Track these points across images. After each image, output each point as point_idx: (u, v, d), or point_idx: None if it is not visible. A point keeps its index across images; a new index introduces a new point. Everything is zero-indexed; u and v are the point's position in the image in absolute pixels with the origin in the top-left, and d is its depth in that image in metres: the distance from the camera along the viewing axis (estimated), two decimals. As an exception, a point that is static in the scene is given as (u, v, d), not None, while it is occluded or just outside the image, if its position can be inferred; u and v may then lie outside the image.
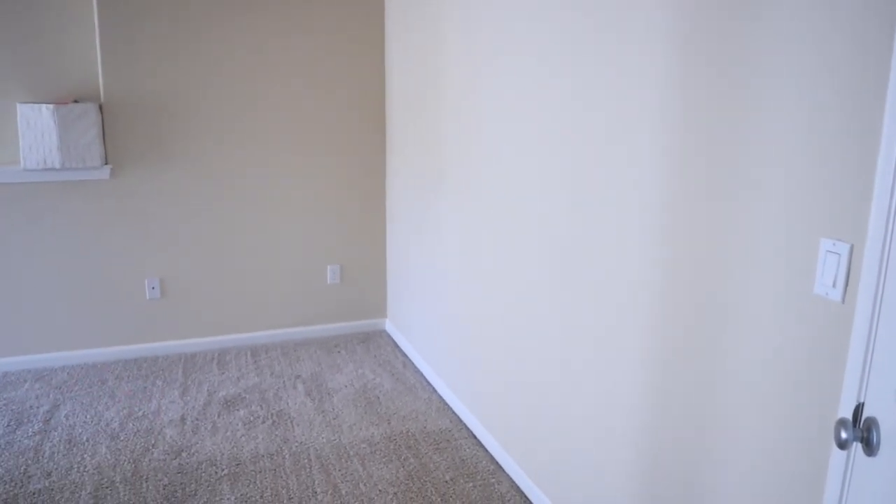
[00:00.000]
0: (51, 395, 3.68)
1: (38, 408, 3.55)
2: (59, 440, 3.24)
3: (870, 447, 1.30)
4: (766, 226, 1.61)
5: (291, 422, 3.44)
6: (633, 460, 2.20)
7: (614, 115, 2.15)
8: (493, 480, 2.98)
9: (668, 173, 1.93)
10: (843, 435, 1.32)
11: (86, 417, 3.45)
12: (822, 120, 1.45)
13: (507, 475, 3.02)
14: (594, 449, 2.40)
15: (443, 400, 3.68)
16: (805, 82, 1.48)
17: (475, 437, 3.32)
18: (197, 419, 3.45)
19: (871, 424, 1.30)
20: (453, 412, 3.55)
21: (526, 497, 2.87)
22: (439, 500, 2.84)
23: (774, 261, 1.59)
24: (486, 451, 3.21)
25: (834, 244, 1.43)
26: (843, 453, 1.39)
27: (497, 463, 3.11)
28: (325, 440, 3.27)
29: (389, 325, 4.63)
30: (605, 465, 2.34)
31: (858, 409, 1.35)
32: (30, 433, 3.30)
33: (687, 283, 1.89)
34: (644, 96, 2.01)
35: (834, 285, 1.44)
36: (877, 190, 1.30)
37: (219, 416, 3.48)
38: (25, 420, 3.42)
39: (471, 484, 2.95)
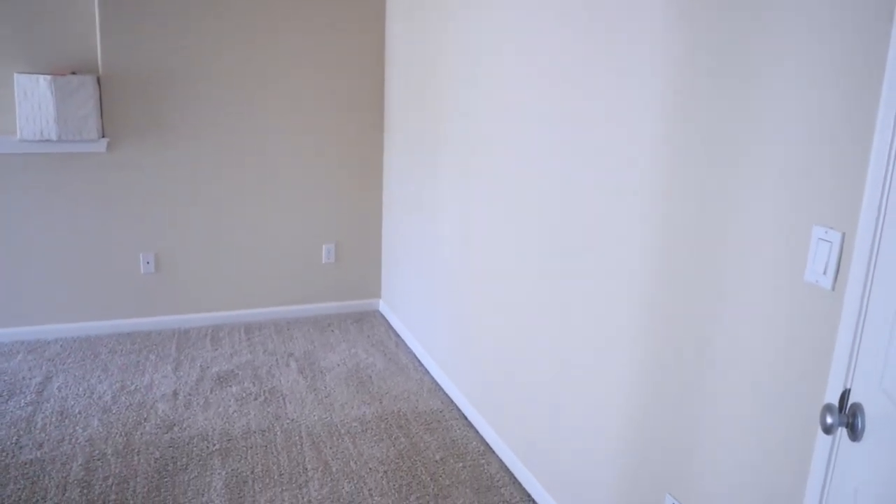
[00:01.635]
0: (43, 367, 3.69)
1: (30, 379, 3.55)
2: (52, 412, 3.25)
3: (854, 433, 1.32)
4: (759, 212, 1.62)
5: (283, 399, 3.46)
6: (622, 441, 2.22)
7: (612, 104, 2.16)
8: (483, 461, 3.01)
9: (664, 161, 1.94)
10: (829, 420, 1.34)
11: (78, 390, 3.46)
12: (817, 109, 1.46)
13: (497, 456, 3.04)
14: (584, 431, 2.42)
15: (434, 381, 3.70)
16: (801, 72, 1.49)
17: (466, 418, 3.34)
18: (189, 394, 3.47)
19: (857, 410, 1.32)
20: (445, 393, 3.57)
21: (515, 478, 2.90)
22: (429, 479, 2.86)
23: (767, 247, 1.60)
24: (476, 431, 3.23)
25: (826, 232, 1.45)
26: (829, 438, 1.41)
27: (487, 444, 3.13)
28: (316, 418, 3.29)
29: (383, 306, 4.65)
30: (595, 447, 2.37)
31: (845, 395, 1.37)
32: (22, 404, 3.31)
33: (681, 267, 1.90)
34: (643, 85, 2.01)
35: (825, 273, 1.45)
36: (869, 179, 1.30)
37: (211, 392, 3.49)
38: (18, 391, 3.43)
39: (461, 464, 2.97)
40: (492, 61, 2.94)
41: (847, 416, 1.34)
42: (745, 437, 1.70)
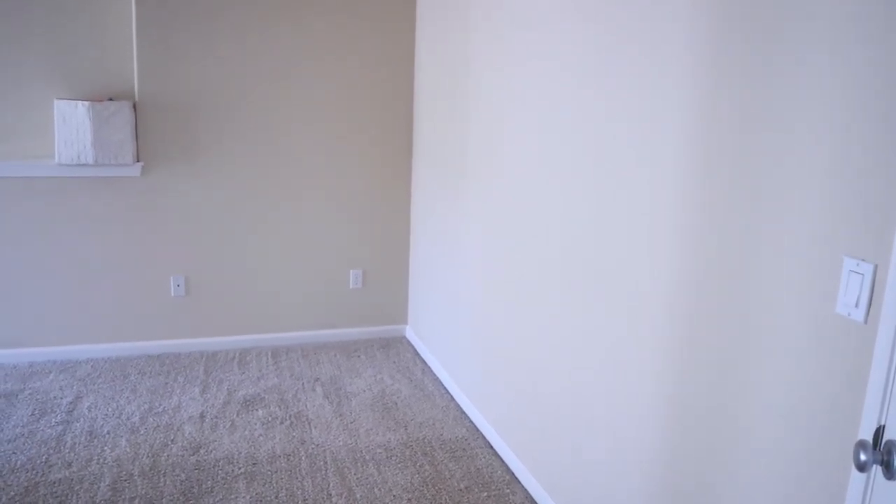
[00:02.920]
0: (74, 387, 3.74)
1: (61, 399, 3.60)
2: (81, 431, 3.29)
3: (890, 471, 1.28)
4: (789, 244, 1.59)
5: (309, 424, 3.46)
6: (647, 474, 2.18)
7: (637, 129, 2.15)
8: (508, 491, 2.97)
9: (691, 188, 1.92)
10: (863, 457, 1.30)
11: (107, 410, 3.50)
12: (848, 139, 1.44)
13: (522, 486, 3.01)
14: (609, 462, 2.39)
15: (460, 408, 3.68)
16: (833, 101, 1.47)
17: (491, 446, 3.31)
18: (216, 417, 3.49)
19: (892, 447, 1.28)
20: (470, 420, 3.55)
21: (540, 509, 2.86)
22: (452, 507, 2.84)
23: (797, 279, 1.58)
24: (501, 460, 3.20)
25: (858, 264, 1.42)
26: (863, 476, 1.37)
27: (512, 473, 3.10)
28: (341, 443, 3.29)
29: (410, 332, 4.64)
30: (620, 479, 2.33)
31: (879, 432, 1.33)
32: (52, 423, 3.35)
33: (709, 298, 1.88)
34: (669, 112, 2.01)
35: (857, 305, 1.42)
36: (903, 210, 1.28)
37: (237, 415, 3.51)
38: (49, 410, 3.48)
39: (485, 493, 2.94)
40: (517, 94, 2.96)
41: (882, 454, 1.30)
42: (776, 473, 1.66)
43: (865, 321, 1.41)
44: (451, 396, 3.81)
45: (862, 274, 1.41)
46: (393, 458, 3.17)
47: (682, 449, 2.01)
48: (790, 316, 1.60)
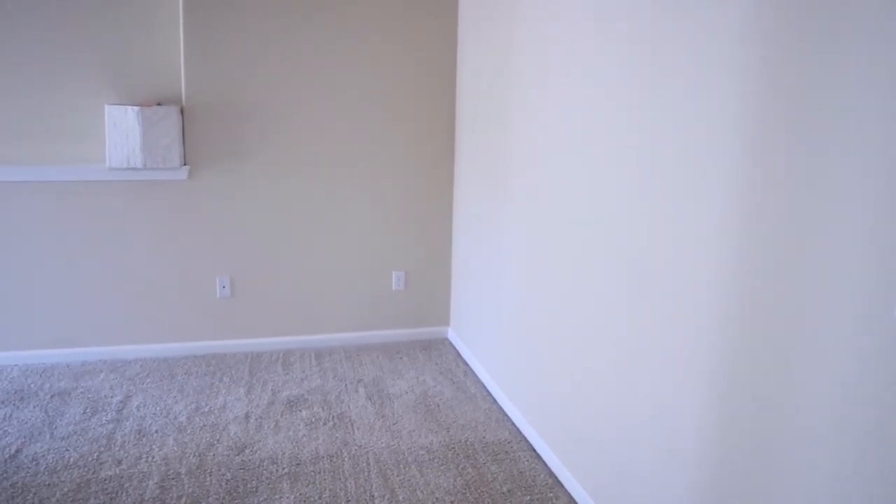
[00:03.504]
0: (124, 386, 3.82)
1: (111, 398, 3.68)
2: (130, 430, 3.35)
3: (956, 481, 1.23)
4: (844, 245, 1.54)
5: (352, 425, 3.47)
6: (696, 481, 2.13)
7: (685, 134, 2.11)
8: (551, 495, 2.94)
9: (745, 188, 1.88)
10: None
11: (156, 409, 3.57)
12: (912, 134, 1.39)
13: (565, 490, 2.97)
14: (657, 467, 2.34)
15: (502, 410, 3.66)
16: (887, 98, 1.42)
17: (534, 449, 3.28)
18: (260, 417, 3.52)
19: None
20: (512, 423, 3.52)
21: (584, 514, 2.82)
22: (496, 511, 2.82)
23: (853, 281, 1.52)
24: (544, 464, 3.17)
25: (921, 265, 1.36)
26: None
27: (555, 477, 3.06)
28: (384, 445, 3.29)
29: (452, 334, 4.64)
30: (668, 485, 2.28)
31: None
32: (103, 421, 3.43)
33: (763, 300, 1.83)
34: (720, 114, 1.96)
35: (920, 308, 1.37)
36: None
37: (282, 416, 3.54)
38: (100, 408, 3.56)
39: (528, 497, 2.92)
40: (561, 100, 2.93)
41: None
42: (831, 483, 1.61)
43: (929, 324, 1.36)
44: (494, 398, 3.79)
45: (925, 275, 1.35)
46: (435, 461, 3.17)
47: (729, 459, 1.96)
48: (848, 321, 1.54)
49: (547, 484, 3.02)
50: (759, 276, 1.83)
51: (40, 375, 3.92)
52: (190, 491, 2.89)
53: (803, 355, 1.68)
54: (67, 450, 3.16)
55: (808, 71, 1.64)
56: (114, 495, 2.84)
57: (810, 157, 1.64)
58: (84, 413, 3.51)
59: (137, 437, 3.30)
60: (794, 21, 1.69)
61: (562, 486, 3.00)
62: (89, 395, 3.70)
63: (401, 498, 2.88)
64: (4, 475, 2.96)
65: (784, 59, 1.72)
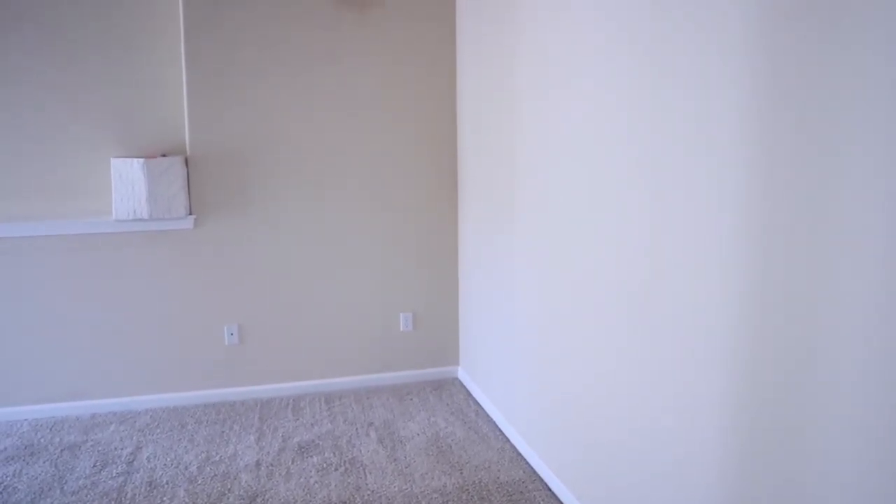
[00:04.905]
0: (134, 438, 3.79)
1: (121, 450, 3.65)
2: (141, 482, 3.32)
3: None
4: (862, 257, 1.53)
5: (364, 470, 3.43)
6: (716, 517, 2.09)
7: (694, 147, 2.11)
8: (569, 535, 2.88)
9: (755, 201, 1.87)
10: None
11: (166, 460, 3.54)
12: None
13: (583, 530, 2.92)
14: (676, 501, 2.30)
15: (516, 449, 3.61)
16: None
17: (549, 488, 3.23)
18: (272, 465, 3.49)
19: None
20: (526, 462, 3.48)
21: (603, 553, 2.76)
22: (513, 553, 2.76)
23: (870, 295, 1.51)
24: (560, 502, 3.11)
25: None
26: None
27: (572, 517, 3.01)
28: (396, 489, 3.25)
29: (462, 373, 4.60)
30: (687, 522, 2.24)
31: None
32: (114, 474, 3.40)
33: (775, 322, 1.81)
34: (728, 126, 1.97)
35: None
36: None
37: (293, 463, 3.50)
38: (110, 461, 3.53)
39: (545, 538, 2.86)
40: (565, 129, 2.95)
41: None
42: (857, 477, 1.57)
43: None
44: (507, 438, 3.75)
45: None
46: (449, 503, 3.12)
47: (752, 486, 1.92)
48: (865, 335, 1.53)
49: (564, 524, 2.96)
50: (775, 287, 1.82)
51: (50, 430, 3.90)
52: (202, 543, 2.84)
53: (823, 374, 1.66)
54: (78, 505, 3.13)
55: (812, 73, 1.65)
56: (125, 550, 2.80)
57: (820, 160, 1.64)
58: (94, 466, 3.48)
59: (148, 489, 3.26)
60: (795, 22, 1.70)
61: (579, 525, 2.95)
62: (99, 448, 3.67)
63: (416, 543, 2.83)
64: (14, 533, 2.93)
65: (788, 61, 1.74)
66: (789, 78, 1.70)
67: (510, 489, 3.24)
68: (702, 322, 2.10)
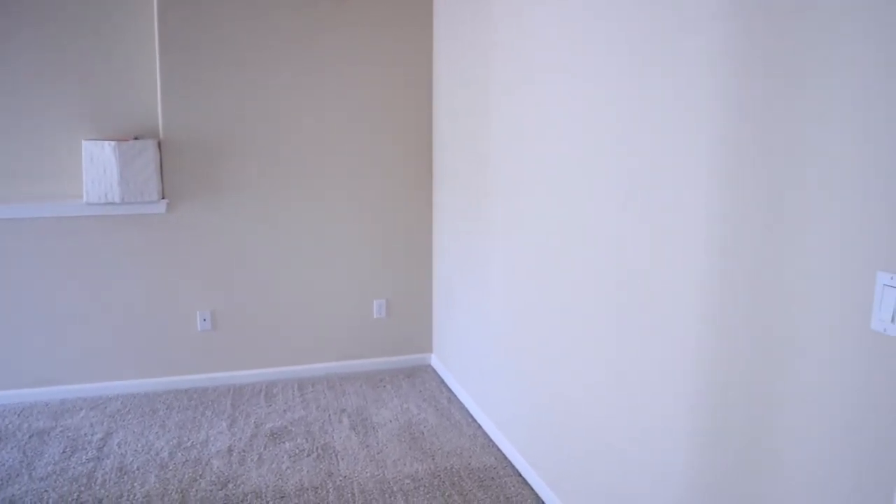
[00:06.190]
0: (105, 423, 3.76)
1: (92, 435, 3.62)
2: (111, 468, 3.30)
3: (934, 490, 1.24)
4: (821, 259, 1.57)
5: (336, 456, 3.44)
6: (685, 500, 2.13)
7: (663, 154, 2.14)
8: (539, 520, 2.93)
9: (721, 207, 1.91)
10: (905, 477, 1.27)
11: (137, 446, 3.52)
12: (879, 151, 1.42)
13: (553, 515, 2.96)
14: (646, 490, 2.34)
15: (487, 436, 3.65)
16: (863, 112, 1.46)
17: (520, 474, 3.27)
18: (244, 451, 3.48)
19: (935, 466, 1.24)
20: (498, 449, 3.51)
21: (572, 538, 2.81)
22: (483, 538, 2.79)
23: (830, 295, 1.55)
24: (531, 489, 3.15)
25: (892, 277, 1.39)
26: (906, 497, 1.33)
27: (542, 501, 3.05)
28: (368, 475, 3.26)
29: (435, 360, 4.63)
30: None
31: (921, 451, 1.29)
32: (83, 460, 3.37)
33: (738, 319, 1.85)
34: (696, 131, 2.00)
35: (893, 321, 1.39)
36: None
37: (265, 448, 3.50)
38: (80, 447, 3.50)
39: (516, 523, 2.90)
40: (538, 120, 2.97)
41: (925, 473, 1.26)
42: (817, 495, 1.62)
43: (901, 337, 1.39)
44: (479, 425, 3.78)
45: None
46: (421, 489, 3.14)
47: (718, 474, 1.97)
48: (826, 334, 1.57)
49: (534, 509, 3.01)
50: (740, 294, 1.85)
51: (18, 415, 3.86)
52: (173, 528, 2.84)
53: (785, 369, 1.70)
54: (47, 491, 3.11)
55: (780, 94, 1.69)
56: (95, 535, 2.79)
57: (786, 172, 1.68)
58: (63, 452, 3.45)
59: (118, 474, 3.24)
60: (765, 42, 1.73)
61: (549, 510, 2.99)
62: (69, 434, 3.64)
63: (387, 528, 2.85)
64: (-19, 518, 2.90)
65: (755, 82, 1.77)
66: (755, 102, 1.73)
67: (482, 475, 3.27)
68: (667, 304, 2.14)
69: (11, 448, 3.49)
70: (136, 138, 3.96)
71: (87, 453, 3.44)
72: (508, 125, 3.28)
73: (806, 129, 1.59)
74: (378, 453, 3.47)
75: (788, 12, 1.63)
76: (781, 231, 1.68)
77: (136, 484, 3.16)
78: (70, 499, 3.04)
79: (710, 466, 2.00)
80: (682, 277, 2.08)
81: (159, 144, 4.01)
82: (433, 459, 3.41)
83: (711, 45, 1.90)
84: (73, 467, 3.30)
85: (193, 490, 3.12)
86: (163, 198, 4.04)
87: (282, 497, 3.07)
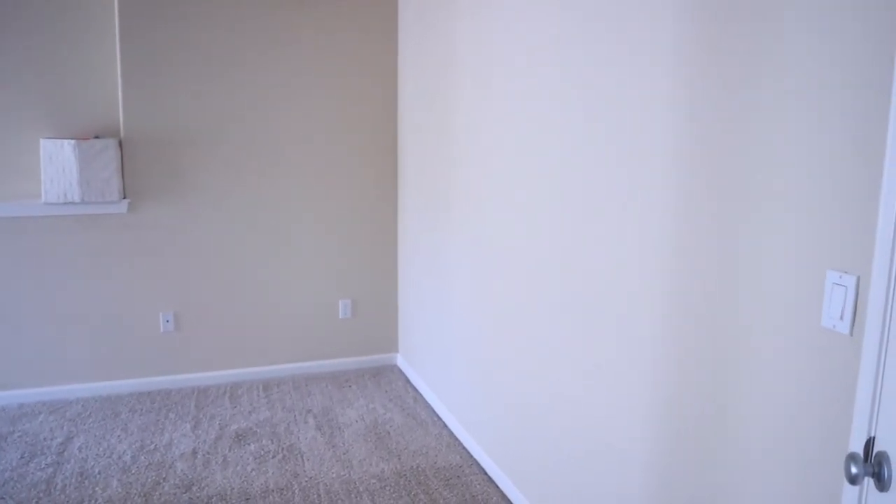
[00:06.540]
0: (65, 428, 3.70)
1: (51, 440, 3.56)
2: (72, 473, 3.25)
3: (881, 482, 1.29)
4: (773, 258, 1.61)
5: (302, 456, 3.43)
6: (645, 497, 2.17)
7: (620, 155, 2.18)
8: (504, 517, 2.95)
9: (674, 207, 1.95)
10: (854, 470, 1.31)
11: (98, 450, 3.46)
12: (827, 152, 1.47)
13: (519, 512, 2.99)
14: (611, 489, 2.38)
15: (453, 435, 3.66)
16: (812, 114, 1.50)
17: (486, 473, 3.29)
18: (208, 453, 3.45)
19: (882, 459, 1.29)
20: (464, 448, 3.53)
21: (537, 535, 2.83)
22: (449, 536, 2.81)
23: (782, 294, 1.59)
24: (496, 487, 3.18)
25: (840, 276, 1.44)
26: (855, 489, 1.37)
27: (508, 499, 3.08)
28: (335, 475, 3.26)
29: (401, 360, 4.63)
30: (620, 500, 2.32)
31: (869, 444, 1.34)
32: (43, 465, 3.31)
33: (695, 317, 1.89)
34: (654, 132, 2.03)
35: (841, 318, 1.44)
36: (881, 220, 1.30)
37: (230, 450, 3.48)
38: (39, 452, 3.43)
39: (481, 521, 2.92)
40: (500, 123, 2.99)
41: (872, 466, 1.31)
42: (770, 492, 1.66)
43: (851, 333, 1.43)
44: (444, 423, 3.79)
45: (845, 286, 1.43)
46: (387, 489, 3.15)
47: (677, 469, 2.01)
48: (778, 332, 1.61)
49: (500, 506, 3.03)
50: (695, 293, 1.89)
51: (-26, 420, 3.77)
52: (135, 532, 2.80)
53: (740, 367, 1.74)
54: (3, 497, 3.04)
55: (732, 96, 1.73)
56: (54, 541, 2.74)
57: (737, 175, 1.72)
58: (22, 458, 3.38)
59: (79, 479, 3.19)
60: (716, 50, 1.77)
61: (514, 507, 3.02)
62: (27, 439, 3.57)
63: (353, 528, 2.85)
64: (-64, 526, 2.83)
65: (709, 87, 1.80)
66: (710, 100, 1.77)
67: (447, 474, 3.28)
68: (624, 303, 2.17)
69: (-33, 454, 3.41)
70: (96, 137, 3.90)
71: (47, 458, 3.38)
72: (469, 128, 3.30)
73: (759, 131, 1.63)
74: (344, 453, 3.46)
75: (739, 20, 1.67)
76: (735, 232, 1.72)
77: (97, 489, 3.12)
78: (29, 504, 2.98)
79: (669, 461, 2.04)
80: (639, 278, 2.11)
81: (120, 143, 3.95)
82: (399, 459, 3.41)
83: (664, 52, 1.94)
84: (32, 473, 3.24)
85: (157, 494, 3.08)
86: (124, 197, 3.98)
87: (247, 499, 3.05)
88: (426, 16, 3.85)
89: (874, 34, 1.35)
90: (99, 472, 3.25)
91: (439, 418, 3.87)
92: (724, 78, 1.74)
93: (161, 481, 3.18)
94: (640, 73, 2.08)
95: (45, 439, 3.57)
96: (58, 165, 3.76)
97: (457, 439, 3.62)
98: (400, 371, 4.58)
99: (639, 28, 2.07)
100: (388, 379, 4.44)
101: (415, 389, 4.27)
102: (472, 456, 3.45)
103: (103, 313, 4.07)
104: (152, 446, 3.51)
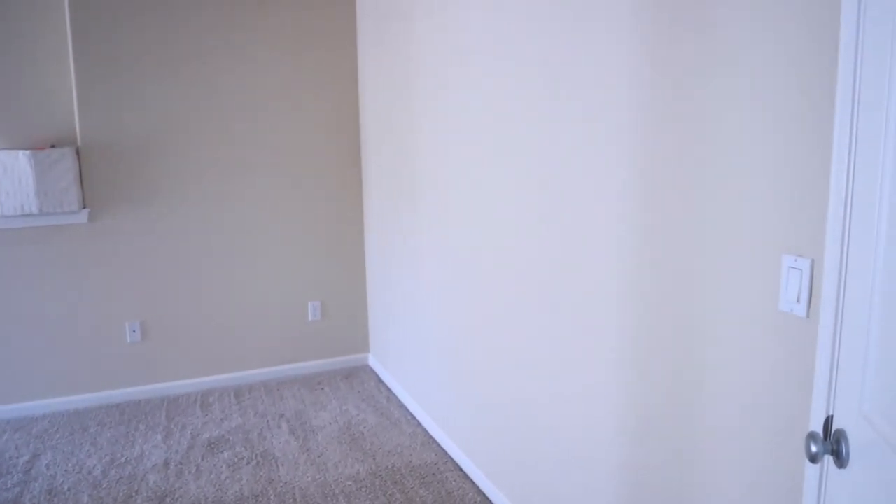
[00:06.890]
0: (31, 445, 3.63)
1: (17, 458, 3.49)
2: (40, 491, 3.19)
3: (840, 459, 1.31)
4: (730, 244, 1.64)
5: (276, 462, 3.40)
6: (616, 485, 2.19)
7: (582, 147, 2.19)
8: (481, 512, 2.96)
9: (634, 198, 1.96)
10: (814, 448, 1.33)
11: (67, 466, 3.40)
12: (780, 137, 1.49)
13: (495, 506, 3.00)
14: (580, 475, 2.40)
15: (427, 433, 3.66)
16: (765, 100, 1.52)
17: (461, 469, 3.30)
18: (180, 463, 3.41)
19: (841, 437, 1.31)
20: (438, 445, 3.53)
21: (514, 528, 2.85)
22: (426, 534, 2.81)
23: (740, 278, 1.62)
24: (472, 483, 3.19)
25: (795, 260, 1.46)
26: (816, 467, 1.40)
27: (484, 495, 3.09)
28: (310, 479, 3.24)
29: (372, 360, 4.62)
30: (593, 492, 2.34)
31: (828, 422, 1.36)
32: (9, 485, 3.24)
33: (657, 305, 1.91)
34: (610, 125, 2.05)
35: (798, 301, 1.46)
36: (831, 204, 1.32)
37: (203, 459, 3.44)
38: (4, 472, 3.36)
39: (458, 517, 2.92)
40: (462, 120, 2.99)
41: (832, 444, 1.33)
42: (735, 474, 1.69)
43: (807, 315, 1.46)
44: (418, 422, 3.79)
45: (800, 269, 1.45)
46: (363, 490, 3.14)
47: (648, 457, 2.03)
48: (737, 316, 1.64)
49: (476, 502, 3.04)
50: (654, 282, 1.91)
51: (-63, 441, 3.69)
52: (107, 547, 2.76)
53: (703, 353, 1.77)
54: (-30, 517, 2.98)
55: (692, 83, 1.75)
56: (24, 561, 2.69)
57: (692, 162, 1.74)
58: (-13, 477, 3.31)
59: (48, 497, 3.13)
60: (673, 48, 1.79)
61: (491, 503, 3.03)
62: (-8, 457, 3.50)
63: (330, 531, 2.84)
64: None
65: (663, 82, 1.82)
66: (665, 90, 1.79)
67: (423, 472, 3.28)
68: (589, 295, 2.19)
69: (-69, 476, 3.33)
70: (52, 146, 3.82)
71: (13, 477, 3.31)
72: (433, 128, 3.29)
73: (716, 118, 1.66)
74: (318, 457, 3.44)
75: (694, 23, 1.69)
76: (693, 219, 1.74)
77: (67, 504, 3.06)
78: (-4, 525, 2.92)
79: (636, 451, 2.06)
80: (603, 270, 2.13)
81: (78, 152, 3.88)
82: (374, 459, 3.41)
83: (624, 45, 1.96)
84: (-1, 492, 3.18)
85: (128, 507, 3.04)
86: (84, 207, 3.91)
87: (221, 507, 3.02)
88: (384, 19, 3.83)
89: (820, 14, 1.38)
90: (69, 489, 3.19)
91: (413, 417, 3.87)
92: (682, 68, 1.76)
93: (133, 494, 3.14)
94: (595, 62, 2.09)
95: (10, 458, 3.50)
96: (13, 177, 3.68)
97: (431, 437, 3.62)
98: (372, 371, 4.57)
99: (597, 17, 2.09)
100: (361, 379, 4.43)
101: (388, 389, 4.27)
102: (447, 453, 3.45)
103: (67, 326, 4.00)
104: (123, 459, 3.46)
